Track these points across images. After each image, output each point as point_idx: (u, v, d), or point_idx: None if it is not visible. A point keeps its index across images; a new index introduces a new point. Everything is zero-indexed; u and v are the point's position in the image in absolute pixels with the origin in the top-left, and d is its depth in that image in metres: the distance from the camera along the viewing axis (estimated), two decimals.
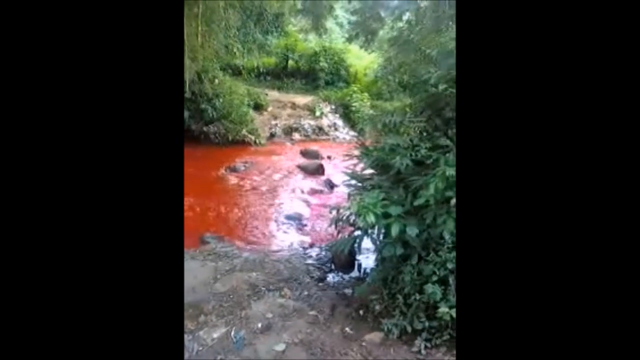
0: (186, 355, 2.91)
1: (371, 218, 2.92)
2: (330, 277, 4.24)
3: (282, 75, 14.11)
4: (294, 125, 11.03)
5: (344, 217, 3.63)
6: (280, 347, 3.02)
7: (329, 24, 14.04)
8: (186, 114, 9.19)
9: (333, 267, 4.44)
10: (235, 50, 12.13)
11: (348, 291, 3.89)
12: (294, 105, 11.99)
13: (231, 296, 3.70)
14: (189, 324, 3.27)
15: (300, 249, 4.92)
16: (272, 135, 10.50)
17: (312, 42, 14.65)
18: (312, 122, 11.25)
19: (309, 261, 4.56)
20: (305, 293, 3.85)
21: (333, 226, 3.77)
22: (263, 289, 3.85)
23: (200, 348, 3.02)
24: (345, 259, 4.34)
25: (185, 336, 3.11)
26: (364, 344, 3.03)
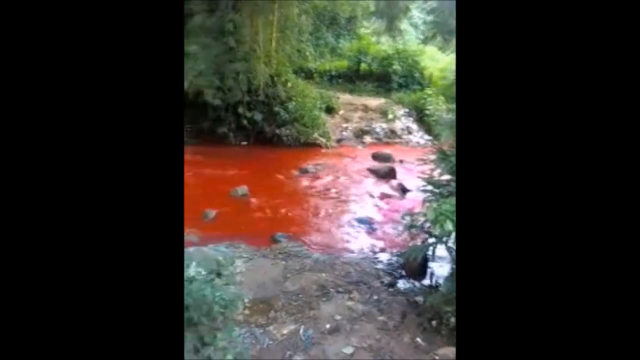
0: (257, 348, 2.98)
1: (449, 226, 2.76)
2: (401, 283, 4.10)
3: (354, 78, 14.12)
4: (366, 128, 10.96)
5: (418, 223, 3.48)
6: (349, 350, 2.97)
7: (404, 25, 13.81)
8: (259, 116, 9.55)
9: (404, 273, 4.29)
10: (307, 54, 12.41)
11: (419, 299, 3.73)
12: (365, 108, 11.92)
13: (300, 295, 3.72)
14: (259, 319, 3.35)
15: (370, 253, 4.83)
16: (343, 138, 10.52)
17: (384, 44, 14.49)
18: (384, 125, 11.09)
19: (379, 266, 4.45)
20: (375, 297, 3.76)
21: (405, 231, 3.63)
22: (332, 290, 3.83)
23: (270, 342, 3.07)
24: (417, 266, 4.17)
25: (256, 329, 3.19)
26: (437, 357, 2.88)
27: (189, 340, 2.34)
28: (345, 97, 12.55)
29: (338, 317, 3.38)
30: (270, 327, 3.24)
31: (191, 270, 2.65)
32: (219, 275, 2.54)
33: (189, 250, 2.81)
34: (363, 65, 14.13)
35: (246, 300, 2.61)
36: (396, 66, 13.20)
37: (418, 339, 3.11)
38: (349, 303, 3.62)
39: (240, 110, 9.34)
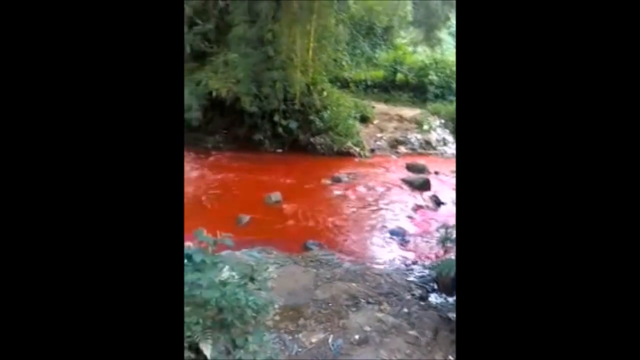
0: (285, 354, 2.99)
1: None
2: (433, 298, 4.01)
3: (389, 88, 14.05)
4: (400, 139, 10.85)
5: (452, 237, 3.41)
6: None
7: (442, 34, 13.64)
8: (295, 124, 9.68)
9: (436, 287, 4.19)
10: (344, 63, 12.49)
11: (452, 315, 3.63)
12: (400, 118, 11.82)
13: (330, 304, 3.71)
14: (289, 325, 3.36)
15: (402, 265, 4.76)
16: (377, 148, 10.46)
17: (421, 54, 14.35)
18: (419, 136, 10.95)
19: (411, 278, 4.38)
20: (405, 310, 3.69)
21: (438, 245, 3.56)
22: (362, 300, 3.80)
23: (299, 349, 3.08)
24: (450, 281, 4.07)
25: (286, 336, 3.21)
26: None
27: (222, 341, 2.39)
28: (380, 107, 12.50)
29: (368, 329, 3.34)
30: (300, 335, 3.25)
31: (224, 273, 2.71)
32: (252, 280, 2.59)
33: (222, 254, 2.88)
34: (399, 75, 14.04)
35: (276, 306, 2.64)
36: (433, 76, 13.02)
37: (451, 357, 3.03)
38: (379, 315, 3.57)
39: (276, 118, 9.50)
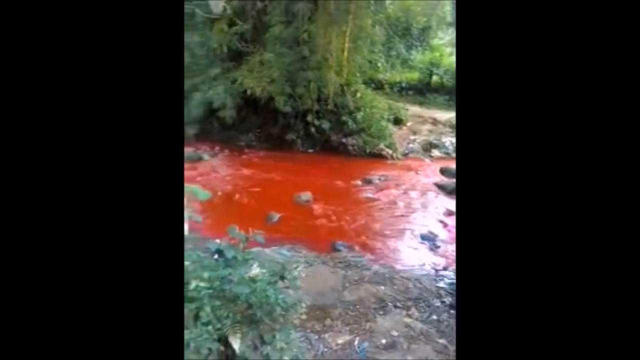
0: (311, 354, 3.00)
1: None
2: None
3: (424, 90, 13.84)
4: (434, 142, 10.66)
5: None
6: None
7: None
8: (327, 125, 9.70)
9: None
10: (378, 64, 12.40)
11: None
12: (435, 121, 11.62)
13: (357, 306, 3.69)
14: (316, 325, 3.37)
15: (432, 270, 4.67)
16: (410, 151, 10.32)
17: None
18: (454, 140, 10.71)
19: (441, 284, 4.28)
20: (434, 317, 3.62)
21: None
22: (390, 304, 3.75)
23: (325, 350, 3.08)
24: None
25: (312, 335, 3.22)
26: None
27: (250, 337, 2.42)
28: (414, 109, 12.33)
29: (395, 333, 3.30)
30: (326, 335, 3.25)
31: (254, 270, 2.75)
32: (282, 278, 2.61)
33: (252, 250, 2.92)
34: (434, 78, 13.79)
35: (304, 305, 2.65)
36: None
37: None
38: (407, 320, 3.52)
39: (309, 118, 9.55)
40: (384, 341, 3.20)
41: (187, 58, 10.32)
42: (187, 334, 2.07)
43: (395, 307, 3.73)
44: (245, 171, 8.34)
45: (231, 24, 9.32)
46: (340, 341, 3.19)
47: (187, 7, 7.68)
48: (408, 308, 3.72)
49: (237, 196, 6.97)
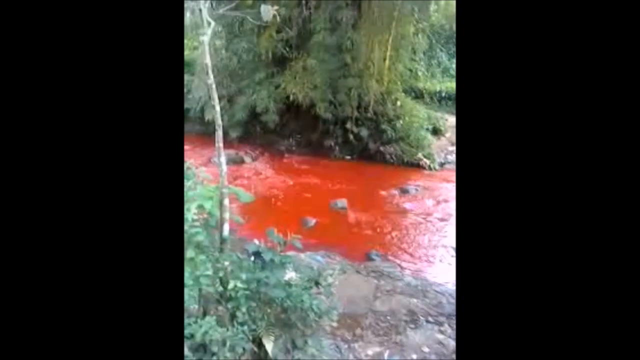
0: None
1: None
2: None
3: None
4: None
5: None
6: None
7: None
8: (366, 132, 9.69)
9: None
10: (419, 73, 12.26)
11: None
12: None
13: (389, 317, 3.68)
14: (346, 333, 3.39)
15: None
16: (447, 162, 10.13)
17: None
18: None
19: None
20: None
21: None
22: (422, 318, 3.72)
23: (354, 359, 3.10)
24: None
25: (342, 344, 3.24)
26: None
27: (282, 340, 2.49)
28: (453, 120, 12.07)
29: (426, 350, 3.26)
30: (356, 345, 3.27)
31: (289, 274, 2.82)
32: (317, 284, 2.66)
33: (289, 254, 2.99)
34: None
35: (336, 312, 2.69)
36: None
37: None
38: (440, 336, 3.47)
39: (349, 125, 9.59)
40: (414, 356, 3.18)
41: (234, 63, 10.66)
42: (224, 333, 2.16)
43: (427, 321, 3.69)
44: (284, 175, 8.49)
45: (278, 30, 9.54)
46: (369, 352, 3.19)
47: (237, 15, 7.93)
48: (441, 324, 3.67)
49: (274, 200, 7.11)
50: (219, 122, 2.79)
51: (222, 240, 2.91)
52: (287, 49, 9.70)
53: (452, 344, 3.36)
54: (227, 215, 2.85)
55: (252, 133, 10.41)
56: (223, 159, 2.80)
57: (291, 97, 9.36)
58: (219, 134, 2.77)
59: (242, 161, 9.18)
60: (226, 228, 2.93)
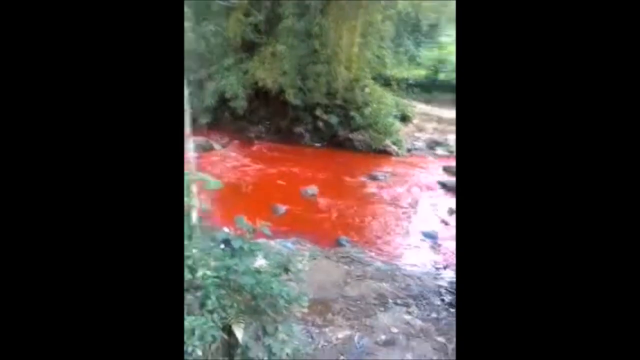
0: (312, 347, 3.06)
1: None
2: None
3: (431, 87, 13.77)
4: (439, 140, 10.66)
5: None
6: None
7: None
8: (335, 119, 9.70)
9: None
10: (387, 60, 12.34)
11: None
12: (440, 119, 11.61)
13: (359, 302, 3.74)
14: (317, 319, 3.42)
15: (433, 268, 4.71)
16: (415, 148, 10.33)
17: None
18: None
19: (441, 282, 4.33)
20: (434, 315, 3.67)
21: None
22: (391, 301, 3.80)
23: (325, 344, 3.13)
24: None
25: (313, 329, 3.27)
26: None
27: (253, 327, 2.48)
28: (420, 107, 12.31)
29: (395, 330, 3.35)
30: (326, 329, 3.31)
31: (259, 261, 2.80)
32: (286, 270, 2.65)
33: (259, 241, 2.96)
34: (441, 75, 13.71)
35: (307, 298, 2.70)
36: None
37: None
38: (407, 317, 3.57)
39: (318, 112, 9.56)
40: (383, 337, 3.25)
41: (202, 47, 10.34)
42: (192, 321, 2.12)
43: (396, 304, 3.78)
44: (254, 163, 8.39)
45: (246, 14, 9.31)
46: (340, 336, 3.24)
47: None
48: (408, 305, 3.77)
49: (244, 187, 7.02)
50: (186, 107, 2.71)
51: (190, 228, 2.85)
52: (256, 33, 9.50)
53: (419, 323, 3.46)
54: (194, 202, 2.78)
55: (222, 119, 10.20)
56: (191, 146, 2.73)
57: (260, 83, 9.21)
58: (187, 120, 2.69)
59: (212, 148, 9.00)
60: (194, 215, 2.86)
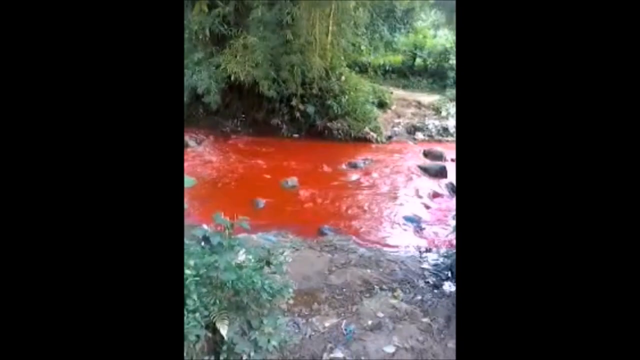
0: (299, 337, 3.06)
1: None
2: (447, 286, 4.01)
3: (408, 73, 13.82)
4: (418, 125, 10.72)
5: None
6: (390, 349, 2.97)
7: None
8: (312, 109, 9.64)
9: (450, 275, 4.19)
10: (362, 47, 12.31)
11: None
12: (418, 105, 11.66)
13: (344, 289, 3.75)
14: (303, 309, 3.42)
15: (417, 252, 4.76)
16: (394, 134, 10.37)
17: (442, 37, 14.02)
18: (437, 123, 10.79)
19: (425, 266, 4.38)
20: (419, 297, 3.71)
21: (453, 233, 3.55)
22: (376, 287, 3.83)
23: (313, 333, 3.13)
24: None
25: (300, 319, 3.27)
26: None
27: (238, 322, 2.45)
28: (398, 93, 12.33)
29: (381, 315, 3.37)
30: (313, 319, 3.31)
31: (240, 256, 2.76)
32: (268, 263, 2.63)
33: (239, 237, 2.93)
34: (418, 61, 13.77)
35: (291, 290, 2.69)
36: (453, 61, 12.74)
37: None
38: (393, 301, 3.60)
39: (294, 102, 9.48)
40: (370, 322, 3.27)
41: None
42: None
43: (381, 289, 3.81)
44: (231, 157, 8.28)
45: (211, 6, 9.09)
46: (327, 324, 3.25)
47: None
48: (394, 290, 3.80)
49: (221, 183, 6.93)
50: None
51: None
52: (225, 26, 9.30)
53: (405, 306, 3.50)
54: None
55: (195, 116, 10.02)
56: None
57: (233, 77, 9.05)
58: None
59: (187, 145, 8.83)
60: None
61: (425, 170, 7.72)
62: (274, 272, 2.70)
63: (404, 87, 13.14)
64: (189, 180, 3.06)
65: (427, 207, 6.18)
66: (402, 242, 5.11)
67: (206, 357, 2.29)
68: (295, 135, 9.74)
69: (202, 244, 2.71)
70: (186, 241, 2.69)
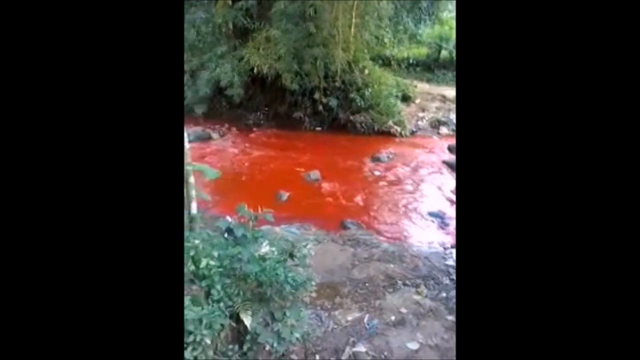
0: (321, 330, 3.04)
1: None
2: None
3: (432, 66, 13.55)
4: (442, 119, 10.51)
5: None
6: (414, 345, 2.92)
7: None
8: (335, 102, 9.57)
9: None
10: (386, 40, 12.12)
11: None
12: (443, 98, 11.43)
13: (367, 284, 3.72)
14: (326, 302, 3.41)
15: (441, 248, 4.67)
16: (418, 128, 10.20)
17: None
18: None
19: (449, 262, 4.29)
20: (443, 295, 3.64)
21: None
22: (399, 282, 3.78)
23: (335, 326, 3.12)
24: None
25: (322, 312, 3.26)
26: None
27: (261, 313, 2.46)
28: (422, 86, 12.12)
29: (404, 310, 3.32)
30: (336, 312, 3.29)
31: (264, 248, 2.77)
32: (291, 256, 2.62)
33: (262, 229, 2.93)
34: (444, 53, 13.47)
35: (313, 283, 2.68)
36: None
37: None
38: (416, 297, 3.54)
39: (317, 95, 9.44)
40: (393, 318, 3.23)
41: (192, 36, 10.19)
42: (200, 311, 2.10)
43: (405, 284, 3.75)
44: (254, 150, 8.32)
45: None
46: (350, 318, 3.22)
47: None
48: (417, 286, 3.74)
49: (245, 175, 6.98)
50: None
51: (191, 219, 2.81)
52: (248, 19, 9.33)
53: (429, 303, 3.44)
54: (193, 193, 2.75)
55: (218, 109, 10.12)
56: (185, 136, 2.68)
57: (255, 70, 9.08)
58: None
59: (210, 138, 8.94)
60: (194, 206, 2.83)
61: (449, 165, 7.56)
62: (297, 265, 2.69)
63: (429, 80, 12.90)
64: (213, 173, 3.08)
65: (451, 202, 6.06)
66: (426, 237, 5.02)
67: (230, 346, 2.31)
68: (318, 129, 9.70)
69: (226, 235, 2.72)
70: (210, 232, 2.71)
